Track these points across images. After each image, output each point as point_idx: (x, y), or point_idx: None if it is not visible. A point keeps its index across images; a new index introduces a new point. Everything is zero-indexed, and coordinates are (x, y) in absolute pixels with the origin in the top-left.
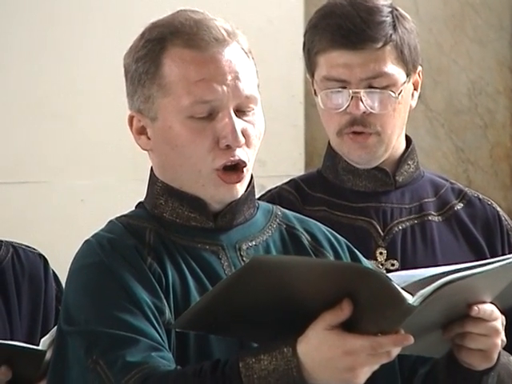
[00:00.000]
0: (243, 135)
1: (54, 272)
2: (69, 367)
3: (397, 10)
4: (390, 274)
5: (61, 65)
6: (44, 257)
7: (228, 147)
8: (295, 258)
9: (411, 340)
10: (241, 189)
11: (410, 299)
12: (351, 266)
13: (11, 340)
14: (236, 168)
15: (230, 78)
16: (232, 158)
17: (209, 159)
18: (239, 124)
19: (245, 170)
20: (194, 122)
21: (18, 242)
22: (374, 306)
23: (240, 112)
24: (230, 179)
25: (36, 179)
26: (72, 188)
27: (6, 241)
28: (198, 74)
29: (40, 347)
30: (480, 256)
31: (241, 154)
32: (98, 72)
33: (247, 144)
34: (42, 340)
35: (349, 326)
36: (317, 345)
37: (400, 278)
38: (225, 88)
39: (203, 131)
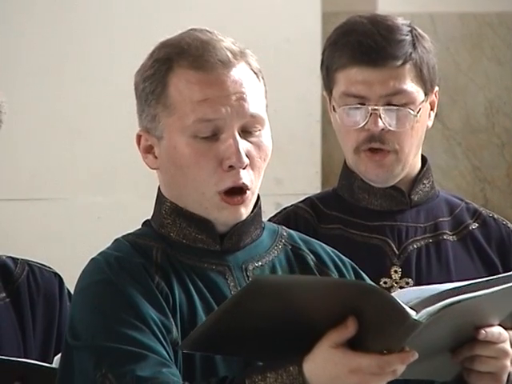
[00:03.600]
0: (247, 156)
1: (68, 291)
2: (73, 381)
3: (415, 29)
4: (402, 290)
5: (79, 82)
6: (59, 276)
7: (231, 168)
8: (296, 277)
9: (416, 356)
10: (245, 211)
11: (413, 315)
12: (353, 284)
13: (25, 358)
14: (239, 191)
15: (234, 98)
16: (236, 182)
17: (212, 182)
18: (243, 145)
19: (248, 192)
20: (198, 143)
21: (34, 260)
22: (379, 323)
23: (246, 132)
24: (233, 201)
25: (53, 196)
26: (89, 205)
27: (22, 259)
28: (202, 95)
29: (53, 365)
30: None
31: (245, 176)
32: (117, 89)
33: (251, 166)
34: (56, 358)
35: (354, 344)
36: (322, 363)
37: (412, 293)
38: (229, 108)
39: (207, 152)
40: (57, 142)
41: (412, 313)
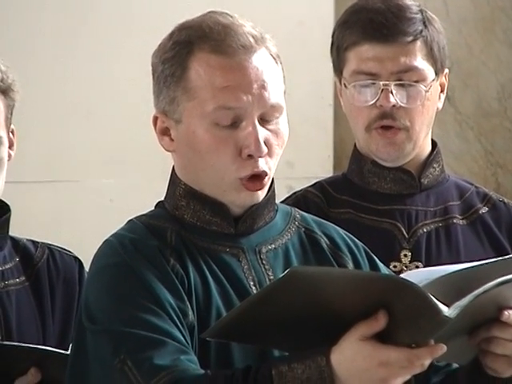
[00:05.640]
0: (266, 145)
1: None
2: (88, 364)
3: (425, 11)
4: (411, 271)
5: (92, 65)
6: (79, 260)
7: (250, 157)
8: (332, 269)
9: (444, 349)
10: (262, 194)
11: (445, 311)
12: (388, 278)
13: (43, 342)
14: (258, 180)
15: (255, 86)
16: (256, 170)
17: (232, 168)
18: (262, 133)
19: (266, 178)
20: (218, 130)
21: (54, 244)
22: (409, 317)
23: (264, 120)
24: (254, 186)
25: (65, 178)
26: (101, 187)
27: (42, 243)
28: (224, 81)
29: (69, 352)
30: None
31: (263, 164)
32: (129, 72)
33: (269, 154)
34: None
35: (382, 337)
36: (351, 355)
37: (422, 274)
38: (250, 97)
39: (226, 140)
40: (69, 125)
41: (444, 308)
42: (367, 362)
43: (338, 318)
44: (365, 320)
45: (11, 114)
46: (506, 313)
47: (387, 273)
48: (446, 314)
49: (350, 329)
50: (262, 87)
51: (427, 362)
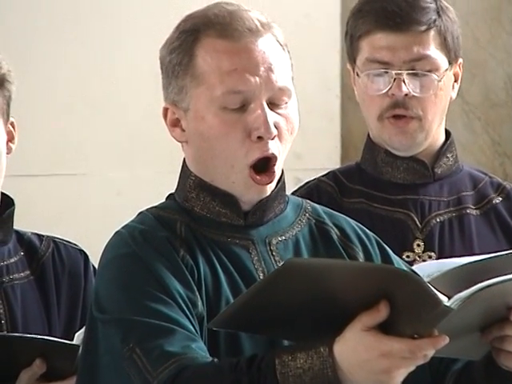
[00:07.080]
0: (275, 127)
1: (94, 268)
2: (99, 354)
3: (440, 0)
4: (422, 263)
5: (100, 57)
6: (85, 253)
7: (260, 139)
8: (329, 261)
9: (447, 340)
10: (270, 188)
11: (445, 301)
12: (387, 269)
13: (49, 335)
14: (267, 166)
15: (262, 69)
16: (265, 152)
17: (242, 153)
18: (271, 116)
19: (275, 167)
20: (227, 114)
21: (59, 237)
22: (410, 307)
23: (273, 105)
24: (262, 181)
25: (72, 171)
26: (108, 180)
27: (48, 236)
28: (231, 64)
29: (74, 342)
30: None
31: (273, 146)
32: (137, 64)
33: (279, 137)
34: (77, 334)
35: (384, 328)
36: (353, 346)
37: (433, 266)
38: (257, 79)
39: (235, 123)
40: (77, 118)
41: (444, 299)
42: (369, 353)
43: (342, 309)
44: (367, 311)
45: (8, 106)
46: None
47: (397, 263)
48: (447, 304)
49: (353, 319)
50: (269, 69)
51: (430, 353)
